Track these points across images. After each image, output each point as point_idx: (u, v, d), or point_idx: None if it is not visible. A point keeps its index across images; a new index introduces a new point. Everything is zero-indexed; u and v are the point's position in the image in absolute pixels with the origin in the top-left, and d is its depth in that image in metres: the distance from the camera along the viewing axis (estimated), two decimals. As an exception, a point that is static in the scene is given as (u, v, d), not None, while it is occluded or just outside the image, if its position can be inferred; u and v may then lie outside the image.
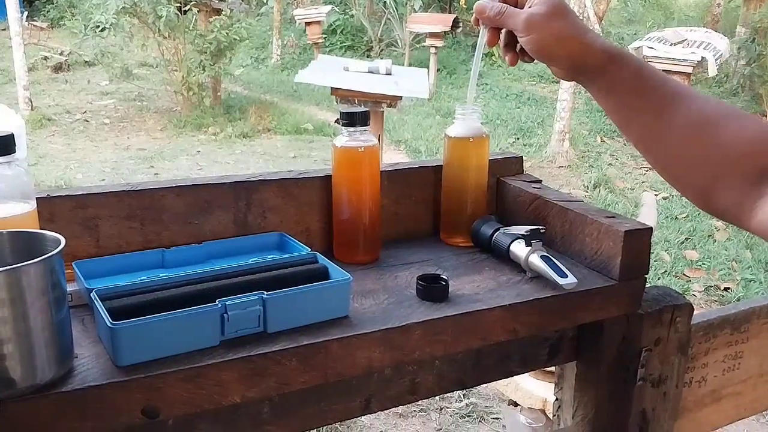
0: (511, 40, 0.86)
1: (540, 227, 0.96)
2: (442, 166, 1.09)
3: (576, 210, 0.98)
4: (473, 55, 0.95)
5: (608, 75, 0.77)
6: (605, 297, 0.92)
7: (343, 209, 1.00)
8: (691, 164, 0.73)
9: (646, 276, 0.94)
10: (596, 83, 0.79)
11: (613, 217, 0.95)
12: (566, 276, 0.88)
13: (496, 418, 2.86)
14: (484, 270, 0.97)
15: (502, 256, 0.99)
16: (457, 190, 1.08)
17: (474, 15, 0.87)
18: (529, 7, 0.81)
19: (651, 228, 0.93)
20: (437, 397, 2.84)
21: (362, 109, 1.00)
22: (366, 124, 0.98)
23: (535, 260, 0.92)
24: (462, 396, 2.95)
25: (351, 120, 0.97)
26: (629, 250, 0.91)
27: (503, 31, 0.86)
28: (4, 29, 10.71)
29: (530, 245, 0.94)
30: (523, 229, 0.96)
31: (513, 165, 1.16)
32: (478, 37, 0.92)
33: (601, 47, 0.77)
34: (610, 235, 0.92)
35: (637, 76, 0.76)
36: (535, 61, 0.84)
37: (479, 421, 2.84)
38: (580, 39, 0.78)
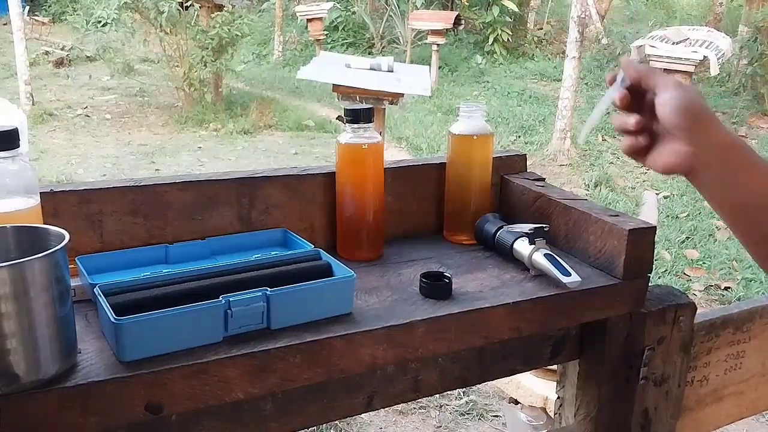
0: (640, 109, 0.81)
1: (543, 225, 0.95)
2: (445, 163, 1.09)
3: (580, 208, 0.98)
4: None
5: (732, 161, 0.75)
6: (609, 296, 0.92)
7: (347, 206, 1.00)
8: None
9: (649, 275, 0.94)
10: (715, 169, 0.76)
11: (617, 215, 0.95)
12: (570, 274, 0.88)
13: (496, 416, 2.86)
14: (487, 268, 0.97)
15: (506, 254, 0.99)
16: (460, 187, 1.07)
17: (612, 74, 0.81)
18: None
19: (654, 227, 0.93)
20: (437, 395, 2.84)
21: (366, 106, 1.00)
22: (370, 121, 0.98)
23: (539, 258, 0.92)
24: (462, 393, 2.95)
25: (355, 117, 0.97)
26: (633, 248, 0.91)
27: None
28: (5, 24, 10.70)
29: (534, 243, 0.94)
30: (526, 227, 0.96)
31: (517, 163, 1.16)
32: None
33: (730, 132, 0.76)
34: (614, 234, 0.92)
35: (763, 164, 0.75)
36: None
37: (479, 419, 2.84)
38: (715, 120, 0.76)
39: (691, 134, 0.75)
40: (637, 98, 0.79)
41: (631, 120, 0.79)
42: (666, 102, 0.76)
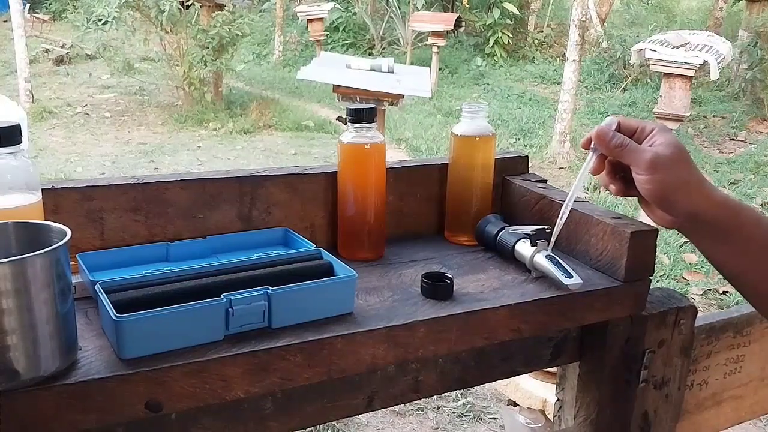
0: (618, 171, 0.84)
1: (545, 227, 0.95)
2: (447, 164, 1.09)
3: (582, 210, 0.98)
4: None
5: (728, 226, 0.76)
6: (610, 298, 0.92)
7: (349, 206, 0.99)
8: None
9: (650, 278, 0.94)
10: (711, 234, 0.77)
11: (619, 218, 0.95)
12: (571, 276, 0.88)
13: (493, 418, 2.86)
14: (488, 269, 0.97)
15: (507, 256, 0.99)
16: (462, 188, 1.07)
17: (588, 138, 0.83)
18: (650, 145, 0.78)
19: (657, 230, 0.93)
20: (434, 396, 2.84)
21: (369, 105, 0.99)
22: (372, 121, 0.98)
23: (541, 260, 0.92)
24: (459, 395, 2.95)
25: (358, 116, 0.96)
26: (635, 251, 0.90)
27: (607, 160, 0.84)
28: (5, 21, 10.70)
29: (535, 245, 0.94)
30: (528, 229, 0.96)
31: (518, 164, 1.16)
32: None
33: (722, 198, 0.76)
34: (615, 236, 0.92)
35: (757, 226, 0.75)
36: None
37: (476, 421, 2.84)
38: (703, 189, 0.76)
39: (670, 209, 0.78)
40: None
41: (611, 188, 0.84)
42: (642, 186, 0.78)
